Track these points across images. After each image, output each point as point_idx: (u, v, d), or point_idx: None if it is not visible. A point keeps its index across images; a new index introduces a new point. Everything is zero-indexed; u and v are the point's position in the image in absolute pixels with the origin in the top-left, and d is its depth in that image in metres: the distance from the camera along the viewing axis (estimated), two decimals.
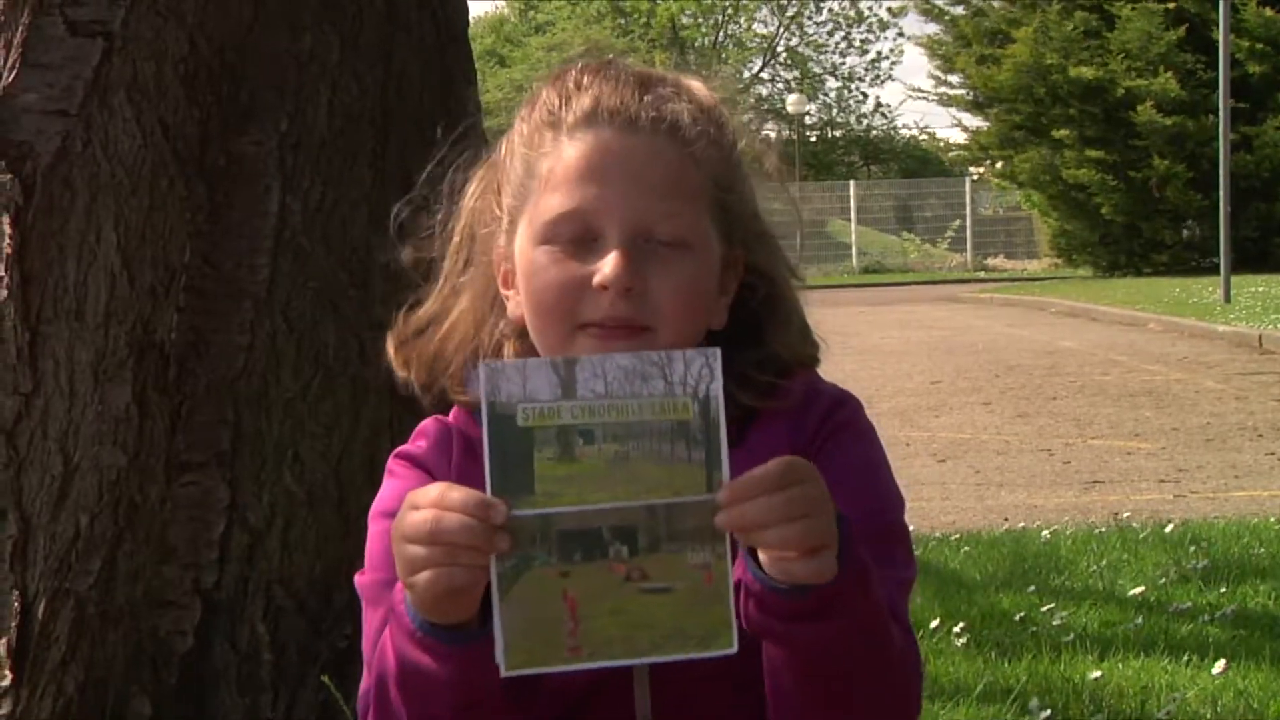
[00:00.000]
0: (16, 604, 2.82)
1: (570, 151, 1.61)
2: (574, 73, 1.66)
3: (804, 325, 1.72)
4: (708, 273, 1.62)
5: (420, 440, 1.70)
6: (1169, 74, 28.06)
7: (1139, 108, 27.95)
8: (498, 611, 1.36)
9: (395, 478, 1.68)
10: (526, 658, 1.36)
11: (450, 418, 1.70)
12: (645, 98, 1.62)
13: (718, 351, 1.39)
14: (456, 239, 1.73)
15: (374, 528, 1.67)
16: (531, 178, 1.63)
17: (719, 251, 1.64)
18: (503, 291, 1.69)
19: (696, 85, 1.69)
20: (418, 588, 1.41)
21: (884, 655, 1.50)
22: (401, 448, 1.71)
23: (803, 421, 1.63)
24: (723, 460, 1.38)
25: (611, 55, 1.71)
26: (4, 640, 2.83)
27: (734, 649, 1.38)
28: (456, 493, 1.38)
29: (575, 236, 1.59)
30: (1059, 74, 28.97)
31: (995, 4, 32.54)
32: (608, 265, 1.56)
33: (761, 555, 1.40)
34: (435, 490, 1.40)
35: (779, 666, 1.50)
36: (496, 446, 1.37)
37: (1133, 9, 28.73)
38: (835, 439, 1.62)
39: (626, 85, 1.63)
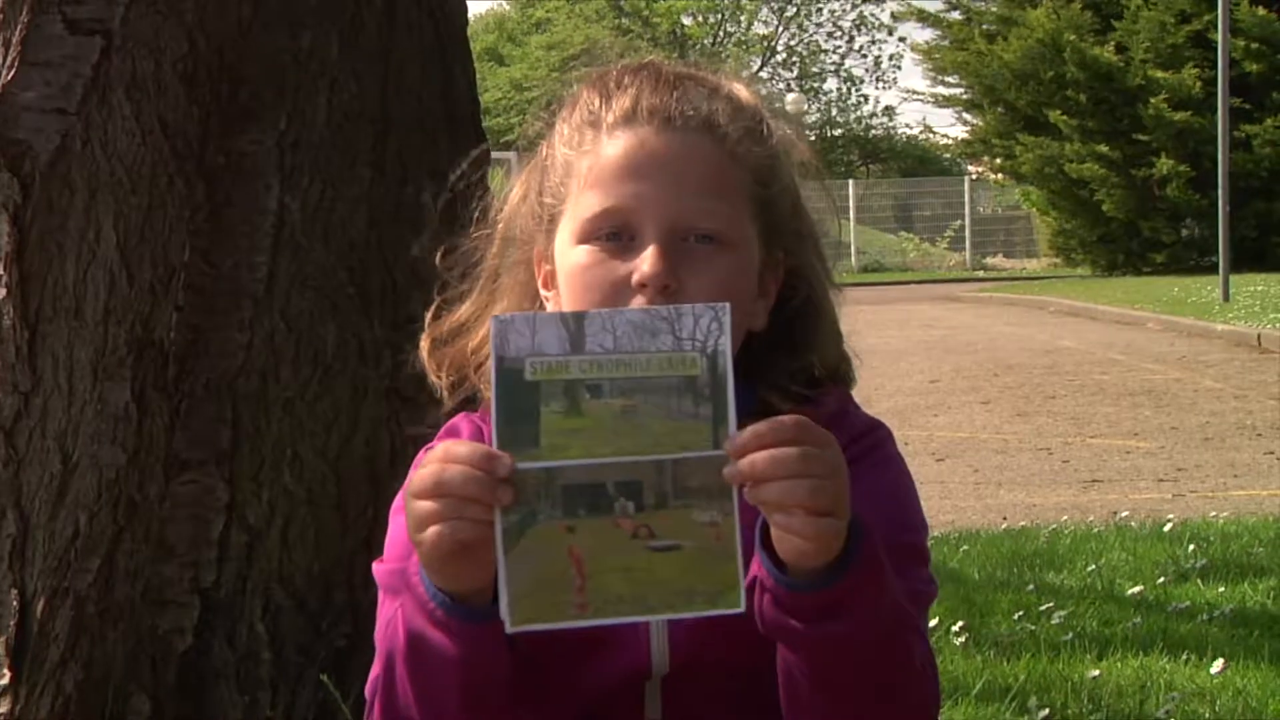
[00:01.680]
0: (15, 602, 2.82)
1: (609, 150, 1.61)
2: (614, 73, 1.67)
3: (838, 334, 1.72)
4: (746, 272, 1.62)
5: (450, 437, 1.69)
6: (1194, 68, 27.94)
7: (1151, 100, 27.85)
8: (502, 566, 1.35)
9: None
10: (533, 613, 1.36)
11: (479, 416, 1.69)
12: (685, 96, 1.63)
13: (728, 306, 1.39)
14: (497, 241, 1.73)
15: (396, 519, 1.66)
16: (571, 177, 1.64)
17: (758, 252, 1.64)
18: (542, 293, 1.69)
19: (737, 84, 1.69)
20: (425, 545, 1.41)
21: (902, 661, 1.49)
22: (431, 443, 1.69)
23: None
24: (730, 416, 1.37)
25: (651, 57, 1.72)
26: (3, 639, 2.83)
27: (741, 609, 1.38)
28: (462, 446, 1.39)
29: (614, 235, 1.59)
30: (1074, 53, 28.70)
31: (990, 9, 32.51)
32: (646, 263, 1.56)
33: (773, 529, 1.39)
34: (442, 446, 1.41)
35: (794, 673, 1.48)
36: (503, 399, 1.37)
37: (1145, 2, 28.64)
38: (862, 463, 1.60)
39: (666, 84, 1.64)
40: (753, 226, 1.63)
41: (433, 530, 1.39)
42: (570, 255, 1.62)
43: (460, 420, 1.70)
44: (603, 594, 1.36)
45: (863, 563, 1.41)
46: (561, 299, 1.64)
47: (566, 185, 1.64)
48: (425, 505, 1.40)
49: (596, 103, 1.65)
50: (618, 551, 1.36)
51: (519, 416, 1.37)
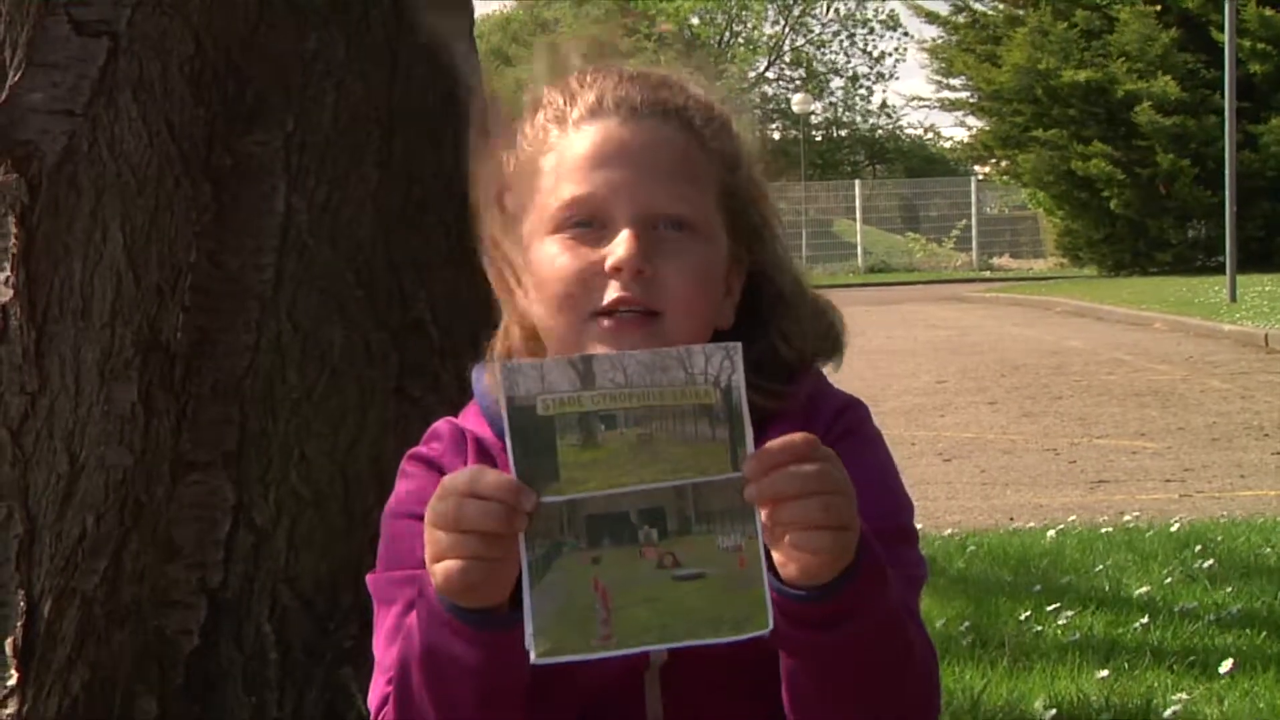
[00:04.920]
0: (22, 603, 2.82)
1: (577, 141, 1.61)
2: (575, 75, 1.67)
3: (816, 318, 1.70)
4: (716, 260, 1.62)
5: (434, 442, 1.69)
6: (1167, 76, 28.10)
7: (1137, 108, 28.00)
8: (528, 598, 1.34)
9: (408, 479, 1.68)
10: (557, 645, 1.35)
11: (460, 420, 1.69)
12: (649, 90, 1.63)
13: (739, 346, 1.38)
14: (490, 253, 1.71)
15: (385, 528, 1.67)
16: (537, 174, 1.63)
17: (726, 244, 1.64)
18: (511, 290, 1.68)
19: (695, 86, 1.69)
20: (438, 577, 1.40)
21: (904, 658, 1.49)
22: (414, 449, 1.70)
23: (810, 426, 1.62)
24: (747, 438, 1.36)
25: (613, 63, 1.71)
26: (10, 640, 2.83)
27: (769, 628, 1.36)
28: (488, 477, 1.37)
29: (585, 223, 1.59)
30: (1055, 78, 29.01)
31: (997, 7, 32.54)
32: (620, 247, 1.56)
33: (786, 548, 1.39)
34: (468, 474, 1.39)
35: (799, 676, 1.48)
36: (518, 437, 1.35)
37: (1129, 11, 28.78)
38: (843, 443, 1.58)
39: (630, 80, 1.64)
40: (720, 215, 1.63)
41: (450, 564, 1.39)
42: (540, 247, 1.61)
43: (442, 424, 1.70)
44: (628, 625, 1.35)
45: (866, 570, 1.41)
46: (531, 292, 1.64)
47: (533, 182, 1.64)
48: (443, 537, 1.39)
49: (560, 101, 1.65)
50: (643, 582, 1.35)
51: (536, 451, 1.35)
